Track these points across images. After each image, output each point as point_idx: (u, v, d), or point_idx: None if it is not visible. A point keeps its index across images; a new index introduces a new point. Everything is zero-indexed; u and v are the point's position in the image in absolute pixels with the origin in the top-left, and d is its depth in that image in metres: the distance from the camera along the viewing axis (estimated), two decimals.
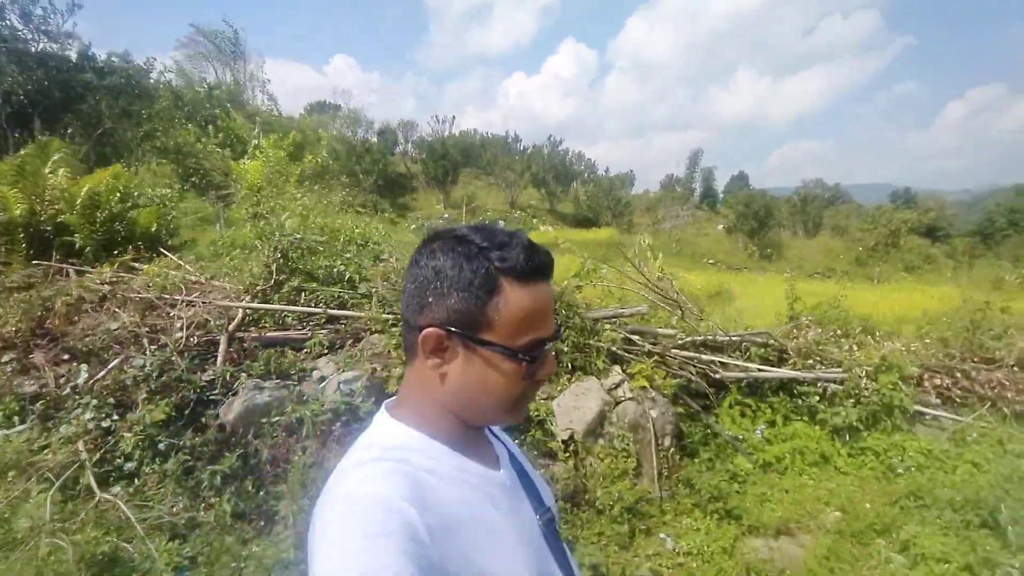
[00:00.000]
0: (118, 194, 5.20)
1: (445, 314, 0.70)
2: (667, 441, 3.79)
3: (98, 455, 3.07)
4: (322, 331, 3.85)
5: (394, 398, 0.81)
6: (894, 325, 6.14)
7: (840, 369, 4.65)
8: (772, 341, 4.84)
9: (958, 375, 4.83)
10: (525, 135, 46.70)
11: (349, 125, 36.71)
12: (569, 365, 3.94)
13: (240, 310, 3.92)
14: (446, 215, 28.75)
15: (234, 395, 3.35)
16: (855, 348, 4.96)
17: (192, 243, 5.83)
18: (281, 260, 4.15)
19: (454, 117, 38.55)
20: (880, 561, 2.77)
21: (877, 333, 5.34)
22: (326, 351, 3.81)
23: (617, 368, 4.09)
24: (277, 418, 3.18)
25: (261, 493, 3.01)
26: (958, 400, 4.73)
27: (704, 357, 4.50)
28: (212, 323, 3.82)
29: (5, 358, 3.68)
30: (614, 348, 4.14)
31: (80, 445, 2.98)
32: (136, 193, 5.36)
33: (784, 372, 4.56)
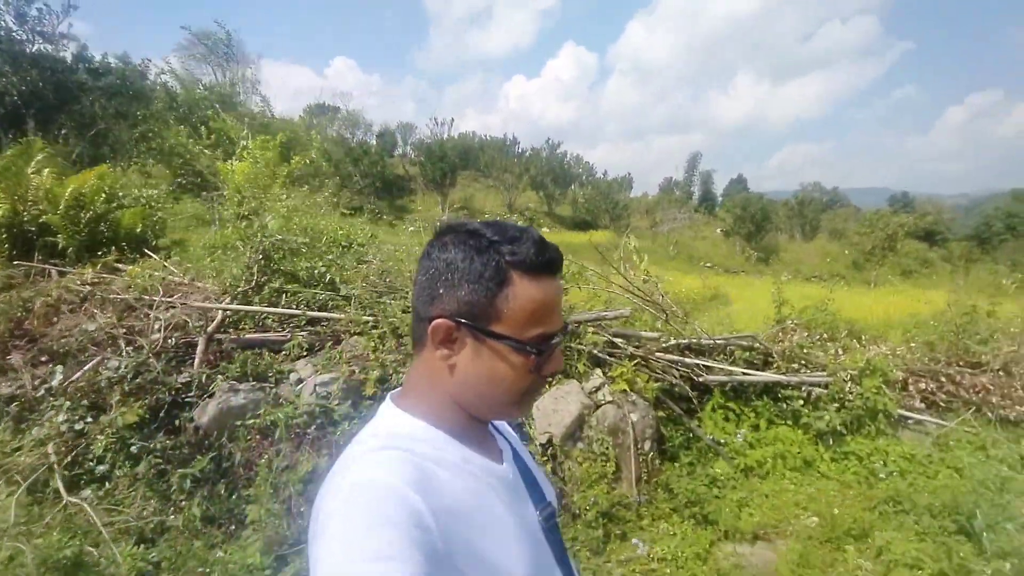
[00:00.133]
0: (103, 195, 5.19)
1: (455, 305, 0.71)
2: (647, 445, 3.77)
3: (69, 458, 3.05)
4: (302, 333, 3.84)
5: (399, 388, 0.82)
6: (882, 329, 6.12)
7: (825, 373, 4.63)
8: (757, 344, 4.82)
9: (943, 379, 4.80)
10: (525, 138, 46.81)
11: (348, 127, 36.77)
12: None
13: (220, 312, 3.90)
14: (444, 217, 28.78)
15: (210, 397, 3.33)
16: (840, 352, 4.95)
17: (180, 244, 5.82)
18: (263, 261, 4.14)
19: (452, 119, 38.59)
20: (850, 568, 2.75)
21: (863, 337, 5.32)
22: (305, 353, 3.80)
23: (599, 371, 4.07)
24: (251, 421, 3.16)
25: (233, 497, 2.99)
26: (942, 405, 4.71)
27: (688, 360, 4.48)
28: (191, 325, 3.81)
29: None
30: (596, 351, 4.12)
31: (50, 448, 2.96)
32: (122, 194, 5.33)
33: (768, 376, 4.54)
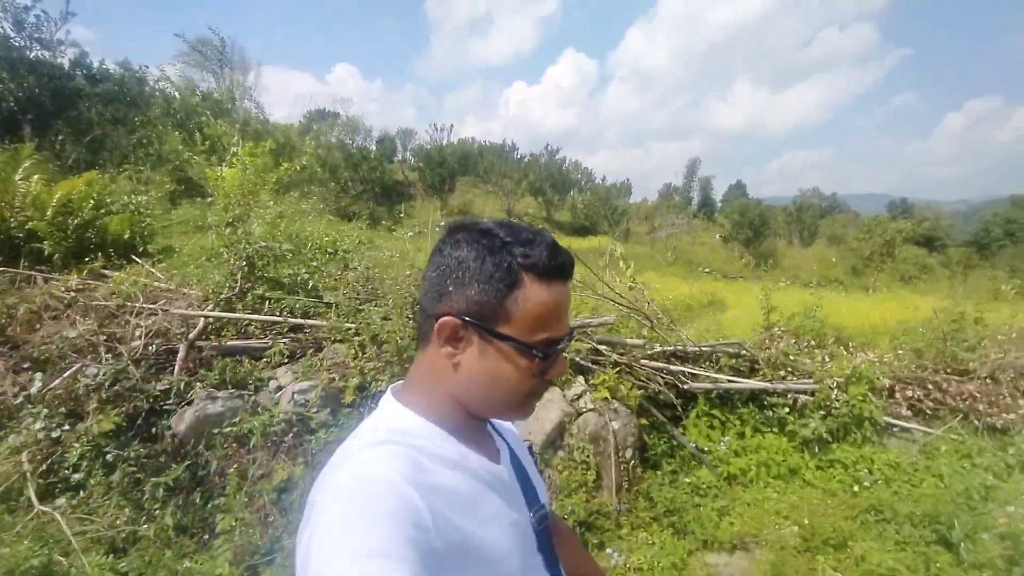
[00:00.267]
0: (92, 201, 5.20)
1: (464, 304, 0.71)
2: (628, 453, 3.75)
3: (45, 466, 3.04)
4: (283, 340, 3.83)
5: (400, 382, 0.82)
6: (870, 335, 6.10)
7: (811, 380, 4.61)
8: (744, 351, 4.80)
9: (930, 387, 4.78)
10: (526, 145, 47.13)
11: (347, 133, 36.89)
12: None
13: (202, 318, 3.90)
14: (443, 223, 28.81)
15: (188, 405, 3.32)
16: (827, 359, 4.93)
17: (170, 250, 5.82)
18: (246, 268, 4.14)
19: (452, 125, 38.79)
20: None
21: (850, 344, 5.31)
22: (287, 360, 3.79)
23: (581, 379, 4.06)
24: (228, 429, 3.15)
25: (208, 506, 2.97)
26: (929, 412, 4.68)
27: (673, 367, 4.47)
28: (172, 331, 3.81)
29: None
30: (579, 358, 4.11)
31: (24, 456, 2.95)
32: (110, 200, 5.34)
33: (753, 383, 4.53)
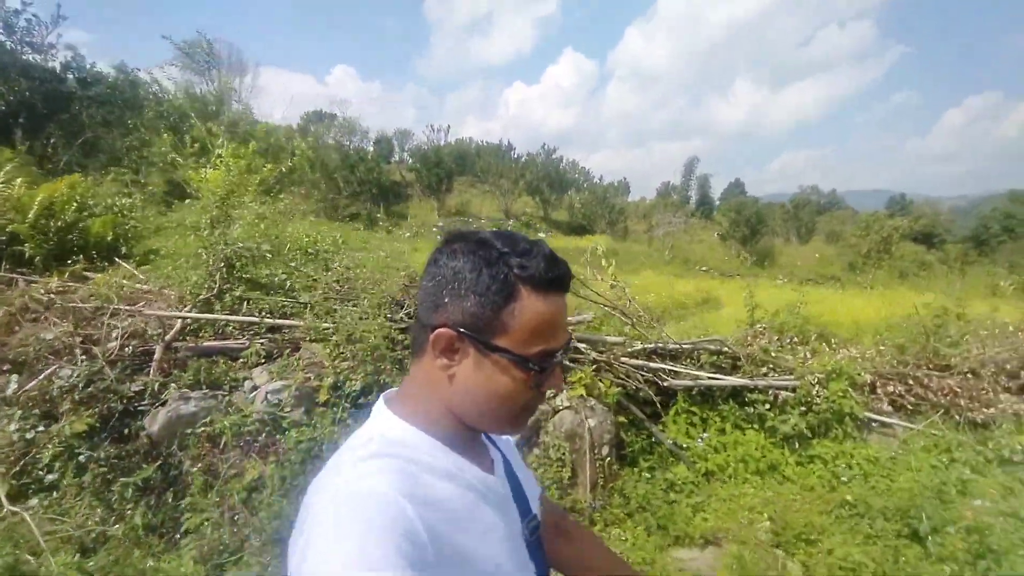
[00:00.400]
0: (74, 204, 5.21)
1: (460, 316, 0.70)
2: (605, 450, 3.76)
3: (18, 467, 3.05)
4: (260, 341, 3.84)
5: (393, 390, 0.82)
6: (855, 332, 6.11)
7: (792, 376, 4.62)
8: (726, 348, 4.81)
9: (911, 382, 4.79)
10: (526, 145, 47.19)
11: (344, 134, 36.93)
12: None
13: (179, 320, 3.91)
14: (440, 223, 28.85)
15: (162, 406, 3.33)
16: (809, 355, 4.94)
17: (155, 253, 5.83)
18: (225, 269, 4.15)
19: (449, 126, 38.79)
20: (787, 571, 2.74)
21: (833, 340, 5.31)
22: (263, 360, 3.80)
23: None
24: (201, 429, 3.16)
25: (181, 506, 2.98)
26: (910, 408, 4.69)
27: (653, 365, 4.47)
28: (149, 333, 3.82)
29: None
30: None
31: None
32: (93, 202, 5.36)
33: (734, 380, 4.53)
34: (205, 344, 3.82)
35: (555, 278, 0.71)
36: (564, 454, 3.58)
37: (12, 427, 3.19)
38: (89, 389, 3.33)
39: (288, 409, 3.32)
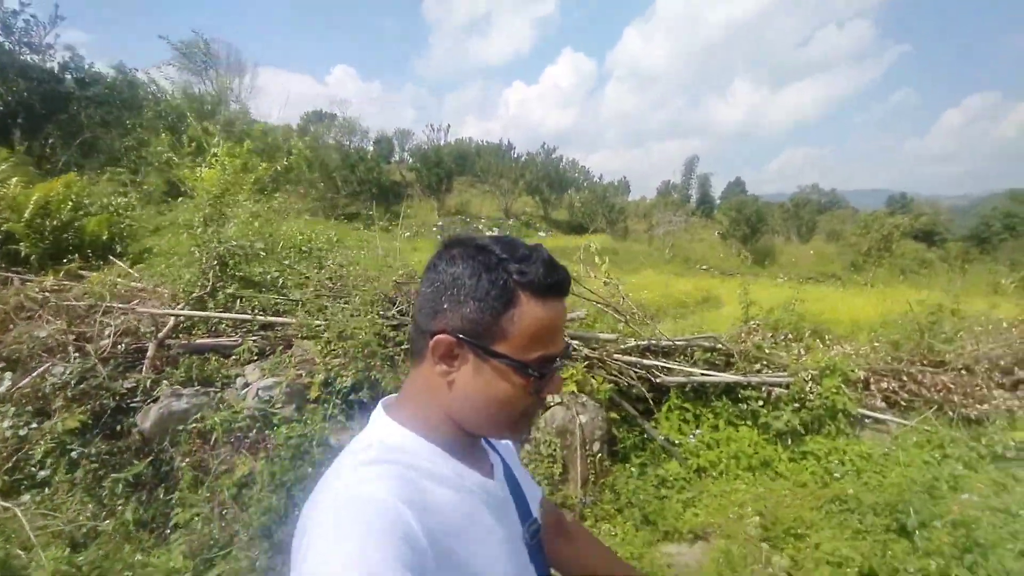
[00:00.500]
0: (70, 203, 5.23)
1: (459, 322, 0.70)
2: (596, 446, 3.77)
3: (11, 463, 3.07)
4: (253, 338, 3.85)
5: (392, 396, 0.82)
6: (851, 329, 6.11)
7: (786, 373, 4.62)
8: (720, 345, 4.81)
9: (905, 378, 4.79)
10: (526, 145, 47.18)
11: (344, 134, 36.99)
12: None
13: (172, 317, 3.92)
14: (439, 223, 28.87)
15: (154, 402, 3.35)
16: (803, 352, 4.94)
17: (151, 251, 5.84)
18: (218, 267, 4.16)
19: (449, 126, 38.83)
20: (772, 565, 2.74)
21: (827, 337, 5.31)
22: (256, 357, 3.81)
23: None
24: (193, 425, 3.18)
25: (172, 501, 3.00)
26: (904, 404, 4.69)
27: (646, 361, 4.48)
28: (143, 330, 3.83)
29: None
30: None
31: None
32: (88, 201, 5.38)
33: (727, 376, 4.53)
34: (198, 341, 3.84)
35: (554, 283, 0.72)
36: (555, 450, 3.59)
37: (5, 424, 3.21)
38: (82, 386, 3.35)
39: (279, 405, 3.33)
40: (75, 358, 3.53)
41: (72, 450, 3.08)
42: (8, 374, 3.54)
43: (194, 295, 4.06)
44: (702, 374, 4.53)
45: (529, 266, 0.70)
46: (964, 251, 30.01)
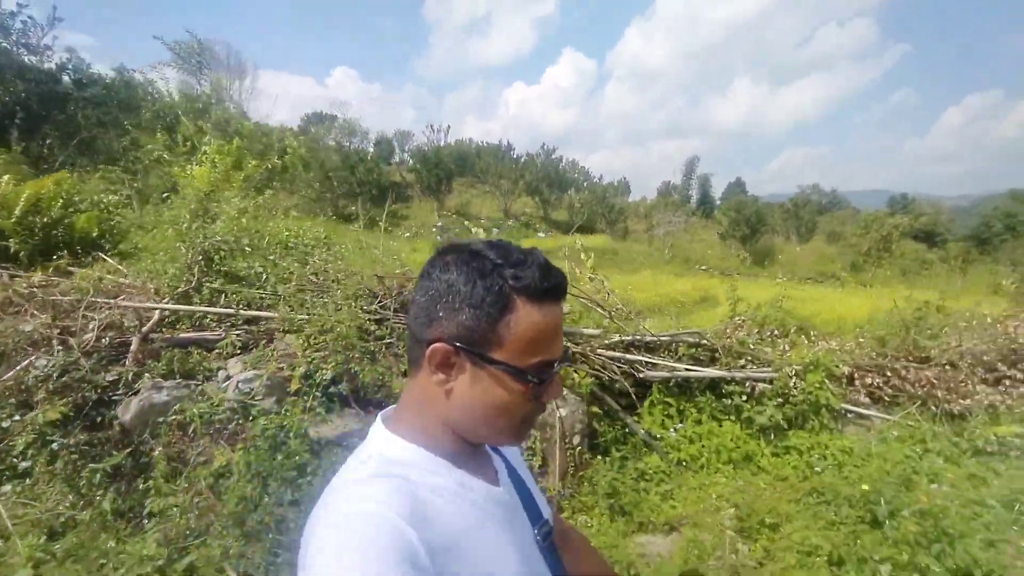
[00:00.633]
0: (60, 200, 5.28)
1: (455, 329, 0.69)
2: (576, 440, 3.79)
3: None
4: (236, 332, 3.88)
5: (390, 408, 0.81)
6: (837, 325, 6.12)
7: (770, 368, 4.64)
8: (704, 341, 4.83)
9: (889, 374, 4.80)
10: (526, 145, 47.26)
11: (345, 135, 37.10)
12: None
13: (157, 311, 3.96)
14: (439, 223, 28.91)
15: (135, 395, 3.38)
16: (788, 348, 4.96)
17: (142, 248, 5.88)
18: (203, 262, 4.20)
19: (449, 126, 38.89)
20: (738, 553, 2.76)
21: (812, 333, 5.33)
22: (239, 351, 3.84)
23: None
24: (173, 417, 3.21)
25: (150, 492, 3.03)
26: (888, 399, 4.70)
27: (629, 356, 4.50)
28: (126, 325, 3.87)
29: None
30: None
31: None
32: (78, 199, 5.42)
33: (711, 371, 4.55)
34: (181, 335, 3.87)
35: (550, 288, 0.70)
36: (534, 442, 3.61)
37: None
38: (64, 379, 3.38)
39: (259, 398, 3.36)
40: (59, 351, 3.56)
41: (53, 441, 3.11)
42: None
43: (179, 290, 4.09)
44: (686, 369, 4.55)
45: (524, 271, 0.69)
46: (965, 251, 29.92)
